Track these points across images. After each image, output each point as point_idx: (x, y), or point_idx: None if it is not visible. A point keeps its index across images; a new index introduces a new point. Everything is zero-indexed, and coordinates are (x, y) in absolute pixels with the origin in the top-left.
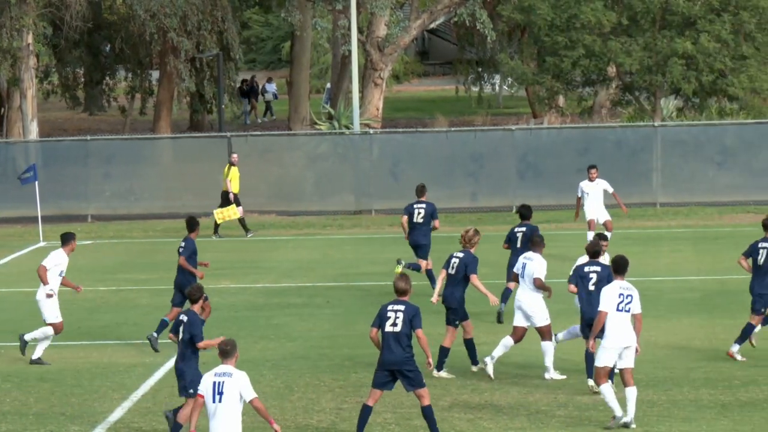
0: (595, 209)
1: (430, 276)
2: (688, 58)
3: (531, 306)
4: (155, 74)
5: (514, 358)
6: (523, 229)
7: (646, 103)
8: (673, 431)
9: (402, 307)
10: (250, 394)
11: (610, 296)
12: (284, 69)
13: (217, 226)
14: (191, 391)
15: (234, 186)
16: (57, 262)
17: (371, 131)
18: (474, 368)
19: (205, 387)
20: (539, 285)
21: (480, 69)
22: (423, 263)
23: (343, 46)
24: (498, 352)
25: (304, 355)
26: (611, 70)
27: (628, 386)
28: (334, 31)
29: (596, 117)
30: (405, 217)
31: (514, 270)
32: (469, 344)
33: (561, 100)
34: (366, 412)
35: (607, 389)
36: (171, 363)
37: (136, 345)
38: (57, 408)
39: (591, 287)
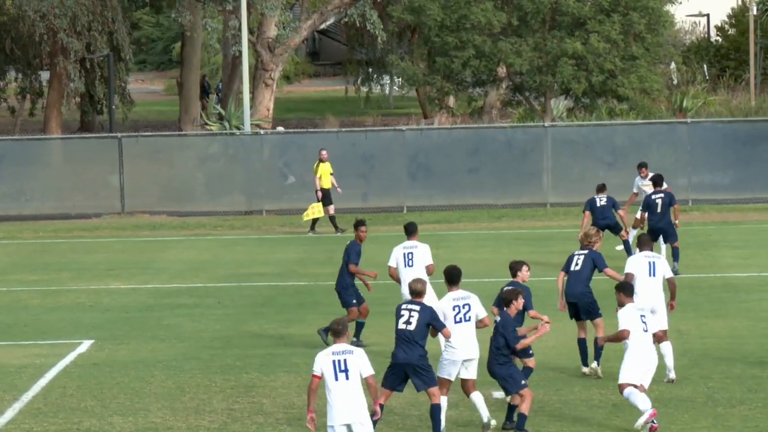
0: None
1: (627, 245)
2: (578, 59)
3: None
4: (45, 75)
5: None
6: (661, 195)
7: (537, 103)
8: (565, 431)
9: (417, 308)
10: (369, 370)
11: (445, 311)
12: (175, 70)
13: (334, 221)
14: (523, 383)
15: (324, 182)
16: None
17: (262, 132)
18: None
19: (322, 367)
20: None
21: (370, 69)
22: (623, 234)
23: (234, 46)
24: None
25: (195, 355)
26: (501, 70)
27: (471, 394)
28: (224, 31)
29: (486, 117)
30: (587, 212)
31: None
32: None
33: (451, 101)
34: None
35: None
36: (62, 363)
37: (27, 346)
38: None
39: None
